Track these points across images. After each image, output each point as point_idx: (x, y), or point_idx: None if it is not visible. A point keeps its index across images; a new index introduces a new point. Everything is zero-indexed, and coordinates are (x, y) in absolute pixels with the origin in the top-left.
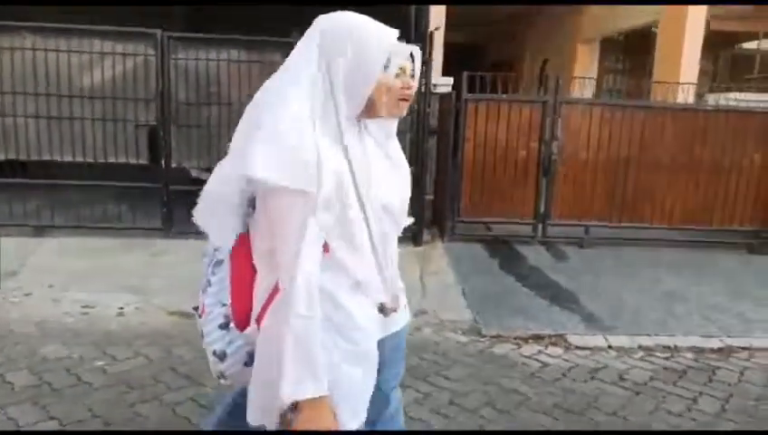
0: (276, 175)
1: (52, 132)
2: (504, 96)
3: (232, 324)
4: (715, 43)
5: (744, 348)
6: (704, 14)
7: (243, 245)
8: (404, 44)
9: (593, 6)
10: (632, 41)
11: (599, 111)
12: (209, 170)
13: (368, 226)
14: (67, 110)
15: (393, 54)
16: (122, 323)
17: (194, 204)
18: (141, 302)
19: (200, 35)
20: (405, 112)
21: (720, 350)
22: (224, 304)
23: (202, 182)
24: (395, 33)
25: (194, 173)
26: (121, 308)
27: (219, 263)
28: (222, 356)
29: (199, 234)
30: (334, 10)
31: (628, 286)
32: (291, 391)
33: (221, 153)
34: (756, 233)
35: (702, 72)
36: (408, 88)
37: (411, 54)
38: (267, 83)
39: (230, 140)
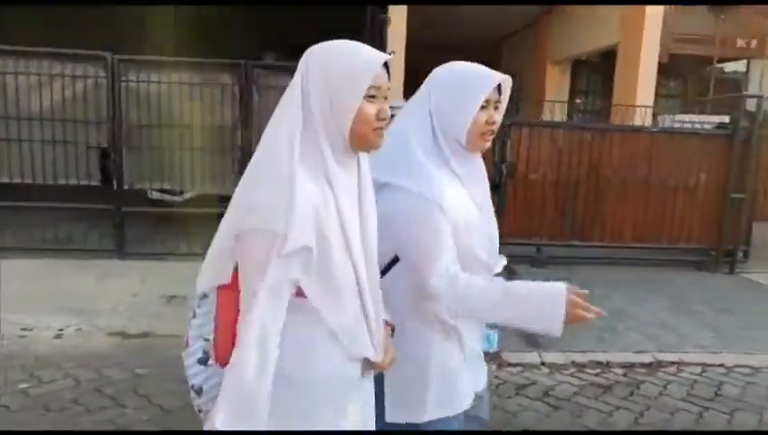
0: (245, 217)
1: (1, 154)
2: None
3: (211, 361)
4: (687, 65)
5: (673, 362)
6: (658, 37)
7: (231, 280)
8: (493, 74)
9: (561, 27)
10: (602, 62)
11: (548, 133)
12: (165, 192)
13: (354, 268)
14: (15, 132)
15: (375, 79)
16: (58, 345)
17: (147, 225)
18: (83, 323)
19: (150, 57)
20: (487, 147)
21: (650, 365)
22: (206, 339)
23: (159, 204)
24: (381, 58)
25: (154, 195)
26: (61, 330)
27: (204, 296)
28: (198, 391)
29: (152, 255)
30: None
31: None
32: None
33: (174, 175)
34: (705, 251)
35: (668, 95)
36: (492, 123)
37: (499, 86)
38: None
39: (182, 160)
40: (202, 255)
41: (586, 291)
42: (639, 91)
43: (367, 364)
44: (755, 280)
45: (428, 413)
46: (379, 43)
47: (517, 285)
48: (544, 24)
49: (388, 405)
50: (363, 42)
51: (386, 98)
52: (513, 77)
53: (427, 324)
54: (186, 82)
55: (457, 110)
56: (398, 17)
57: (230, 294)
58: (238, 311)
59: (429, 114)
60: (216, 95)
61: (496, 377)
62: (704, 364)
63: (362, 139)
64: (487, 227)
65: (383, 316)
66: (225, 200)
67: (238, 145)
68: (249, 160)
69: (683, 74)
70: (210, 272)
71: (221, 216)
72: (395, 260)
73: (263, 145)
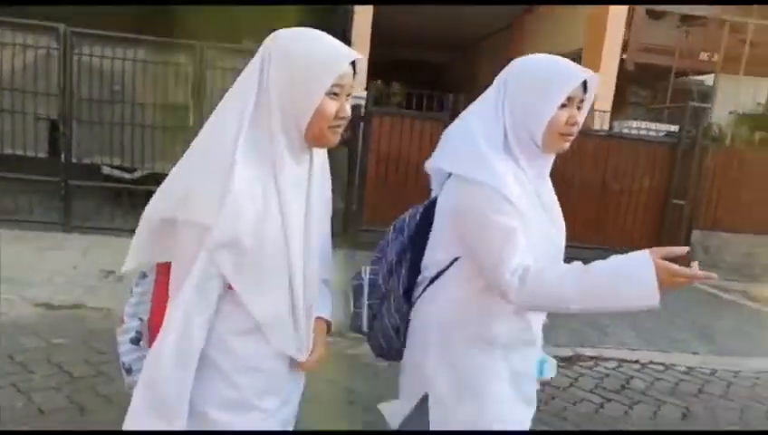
0: (174, 205)
1: None
2: (408, 111)
3: (143, 342)
4: (657, 74)
5: (591, 357)
6: (619, 44)
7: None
8: (578, 70)
9: (534, 29)
10: None
11: None
12: (117, 168)
13: (289, 264)
14: None
15: (339, 78)
16: None
17: (97, 200)
18: (12, 293)
19: (104, 32)
20: (566, 147)
21: (569, 358)
22: (140, 319)
23: (110, 179)
24: (349, 56)
25: (105, 170)
26: None
27: (143, 275)
28: (129, 370)
29: (98, 230)
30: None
31: None
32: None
33: (125, 151)
34: None
35: (636, 102)
36: (574, 123)
37: (584, 83)
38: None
39: (133, 137)
40: None
41: (685, 248)
42: (601, 97)
43: (293, 361)
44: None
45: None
46: (342, 38)
47: (593, 265)
48: (519, 25)
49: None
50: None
51: (349, 96)
52: (487, 78)
53: (483, 331)
54: (140, 59)
55: (534, 107)
56: (362, 16)
57: (164, 276)
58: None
59: (502, 107)
60: (170, 75)
61: None
62: (621, 360)
63: (318, 135)
64: (551, 228)
65: (319, 314)
66: None
67: (190, 126)
68: None
69: (651, 83)
70: (135, 252)
71: None
72: (452, 262)
73: (208, 126)
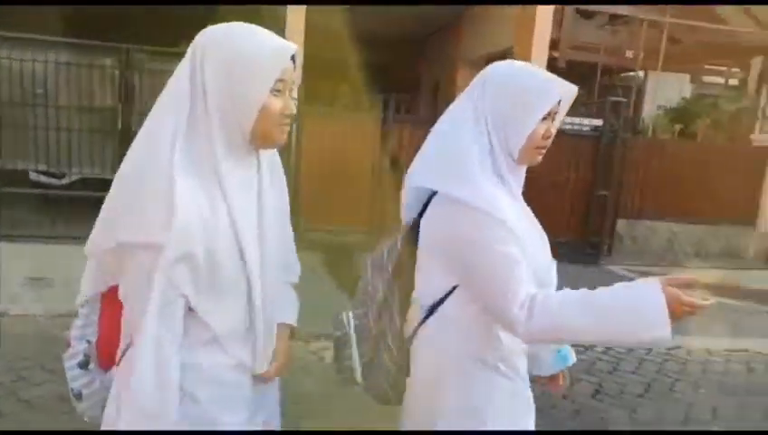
0: (117, 232)
1: None
2: (341, 112)
3: (92, 365)
4: (590, 72)
5: None
6: (547, 42)
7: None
8: (559, 84)
9: (473, 27)
10: None
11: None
12: (46, 174)
13: (246, 273)
14: None
15: (281, 73)
16: None
17: (25, 207)
18: None
19: (25, 35)
20: (539, 160)
21: None
22: (88, 341)
23: (39, 186)
24: (290, 49)
25: (32, 177)
26: None
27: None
28: (78, 396)
29: (25, 237)
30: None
31: None
32: None
33: (52, 157)
34: (571, 244)
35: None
36: (549, 136)
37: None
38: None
39: (59, 142)
40: (78, 238)
41: (693, 277)
42: None
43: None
44: (616, 271)
45: None
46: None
47: (600, 293)
48: (458, 25)
49: None
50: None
51: (291, 91)
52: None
53: (490, 363)
54: (63, 62)
55: (516, 121)
56: (295, 16)
57: (113, 296)
58: (121, 312)
59: (485, 119)
60: (96, 77)
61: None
62: None
63: (265, 135)
64: (540, 241)
65: (282, 319)
66: (107, 184)
67: (119, 129)
68: (129, 143)
69: (583, 80)
70: (85, 285)
71: (101, 200)
72: (453, 289)
73: (142, 140)
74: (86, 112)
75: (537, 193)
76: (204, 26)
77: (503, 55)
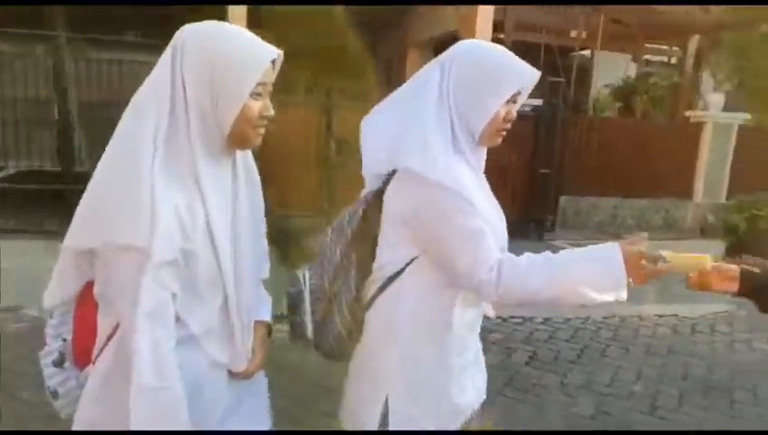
0: (100, 232)
1: None
2: (288, 99)
3: (68, 363)
4: (532, 51)
5: None
6: (491, 23)
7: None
8: (524, 68)
9: (420, 10)
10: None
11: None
12: None
13: (221, 274)
14: None
15: (262, 76)
16: None
17: None
18: None
19: None
20: (499, 142)
21: None
22: (64, 339)
23: None
24: (272, 53)
25: None
26: None
27: None
28: (54, 394)
29: None
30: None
31: None
32: None
33: None
34: (516, 222)
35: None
36: (510, 120)
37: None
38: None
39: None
40: (15, 232)
41: (643, 234)
42: None
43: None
44: (560, 246)
45: (433, 425)
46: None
47: (564, 253)
48: (407, 6)
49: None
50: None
51: (269, 93)
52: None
53: (440, 337)
54: None
55: (479, 102)
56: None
57: (87, 293)
58: (96, 310)
59: (448, 98)
60: (30, 67)
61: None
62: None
63: (242, 137)
64: (497, 216)
65: (259, 317)
66: (45, 176)
67: (55, 120)
68: (66, 134)
69: (531, 60)
70: (60, 286)
71: (41, 192)
72: (412, 261)
73: (120, 141)
74: (21, 103)
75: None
76: (141, 15)
77: (449, 37)
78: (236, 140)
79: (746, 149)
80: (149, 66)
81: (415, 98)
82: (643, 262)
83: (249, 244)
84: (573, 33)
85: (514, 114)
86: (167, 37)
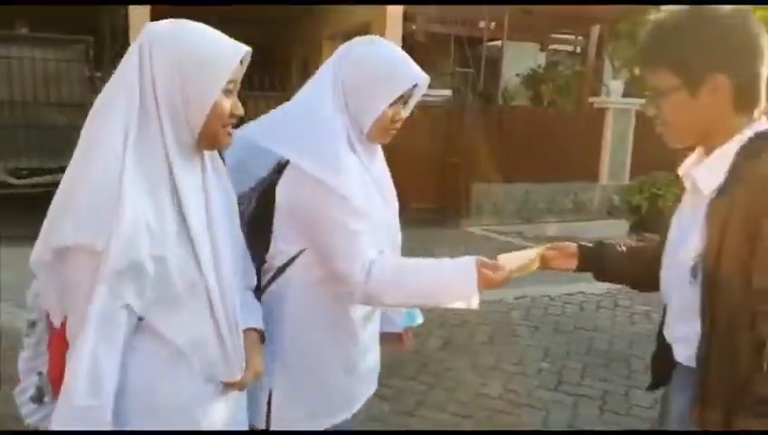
0: (62, 227)
1: None
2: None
3: (47, 397)
4: (444, 42)
5: None
6: (401, 15)
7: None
8: (416, 72)
9: (331, 6)
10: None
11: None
12: None
13: (203, 278)
14: None
15: (233, 74)
16: None
17: None
18: None
19: None
20: (388, 140)
21: None
22: (39, 373)
23: None
24: (242, 49)
25: None
26: None
27: (33, 324)
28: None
29: None
30: None
31: None
32: None
33: None
34: (431, 210)
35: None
36: (398, 120)
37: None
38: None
39: None
40: None
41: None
42: None
43: (226, 383)
44: (475, 232)
45: (320, 421)
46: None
47: (428, 261)
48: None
49: (275, 409)
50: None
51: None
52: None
53: (326, 328)
54: None
55: (367, 102)
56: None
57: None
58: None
59: (340, 94)
60: None
61: None
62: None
63: (212, 137)
64: (387, 212)
65: (249, 324)
66: None
67: None
68: None
69: (443, 51)
70: (38, 296)
71: None
72: (301, 252)
73: (87, 144)
74: None
75: (392, 162)
76: (38, 13)
77: (362, 29)
78: (207, 139)
79: (645, 133)
80: (43, 62)
81: (310, 95)
82: (498, 273)
83: (228, 248)
84: (482, 24)
85: (403, 115)
86: (58, 31)
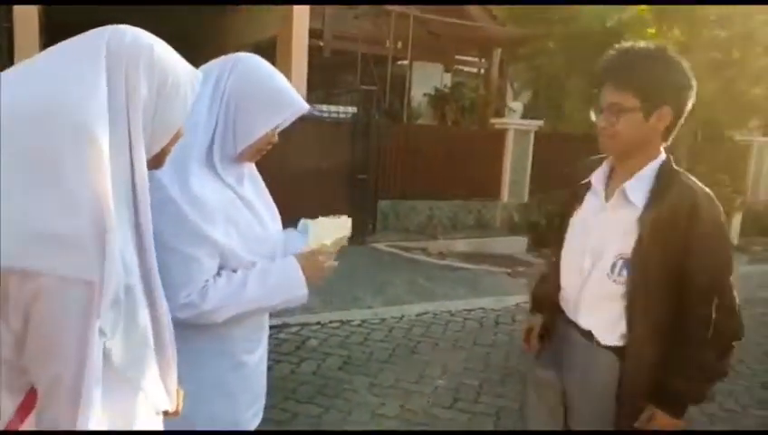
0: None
1: None
2: None
3: None
4: (351, 61)
5: (275, 326)
6: (306, 31)
7: None
8: (299, 101)
9: (241, 16)
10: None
11: None
12: None
13: (154, 304)
14: None
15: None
16: None
17: None
18: None
19: None
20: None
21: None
22: None
23: None
24: (197, 74)
25: None
26: None
27: None
28: None
29: None
30: None
31: None
32: None
33: None
34: None
35: (343, 88)
36: (270, 144)
37: None
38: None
39: None
40: None
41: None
42: (293, 81)
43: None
44: (381, 248)
45: None
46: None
47: (255, 270)
48: (232, 10)
49: None
50: None
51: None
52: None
53: (209, 344)
54: None
55: (247, 125)
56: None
57: None
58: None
59: (217, 112)
60: None
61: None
62: (302, 324)
63: (160, 158)
64: (257, 227)
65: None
66: None
67: None
68: None
69: (349, 69)
70: None
71: None
72: None
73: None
74: None
75: (297, 179)
76: None
77: (269, 42)
78: (155, 160)
79: (544, 153)
80: None
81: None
82: (321, 258)
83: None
84: (388, 44)
85: (276, 139)
86: None
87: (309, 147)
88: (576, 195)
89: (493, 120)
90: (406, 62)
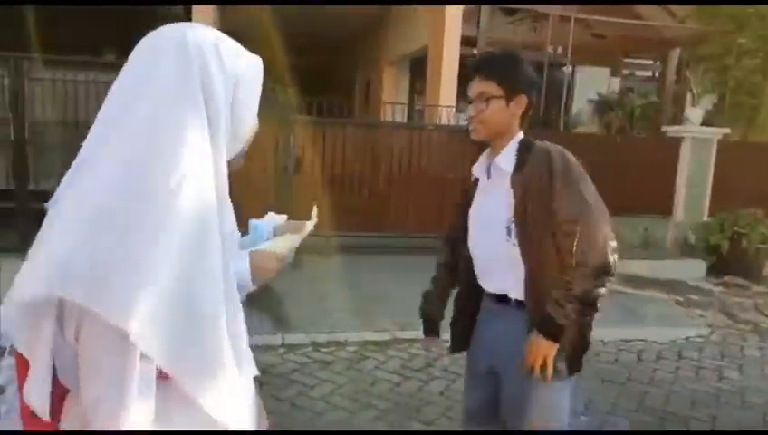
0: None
1: None
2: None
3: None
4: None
5: (408, 340)
6: (458, 39)
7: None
8: None
9: (395, 27)
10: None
11: (332, 131)
12: None
13: None
14: None
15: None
16: None
17: None
18: None
19: None
20: None
21: (385, 342)
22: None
23: None
24: (259, 62)
25: None
26: None
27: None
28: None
29: None
30: None
31: (334, 291)
32: None
33: None
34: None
35: None
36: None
37: None
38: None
39: None
40: None
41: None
42: (442, 91)
43: None
44: None
45: None
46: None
47: None
48: (383, 24)
49: None
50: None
51: None
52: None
53: None
54: None
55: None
56: (203, 15)
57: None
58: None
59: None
60: None
61: None
62: None
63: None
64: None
65: None
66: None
67: (11, 140)
68: (22, 154)
69: None
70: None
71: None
72: None
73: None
74: None
75: (443, 189)
76: (100, 36)
77: (421, 53)
78: None
79: (728, 166)
80: (106, 85)
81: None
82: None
83: None
84: (549, 48)
85: None
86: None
87: (455, 157)
88: (467, 192)
89: (665, 128)
90: (568, 67)
